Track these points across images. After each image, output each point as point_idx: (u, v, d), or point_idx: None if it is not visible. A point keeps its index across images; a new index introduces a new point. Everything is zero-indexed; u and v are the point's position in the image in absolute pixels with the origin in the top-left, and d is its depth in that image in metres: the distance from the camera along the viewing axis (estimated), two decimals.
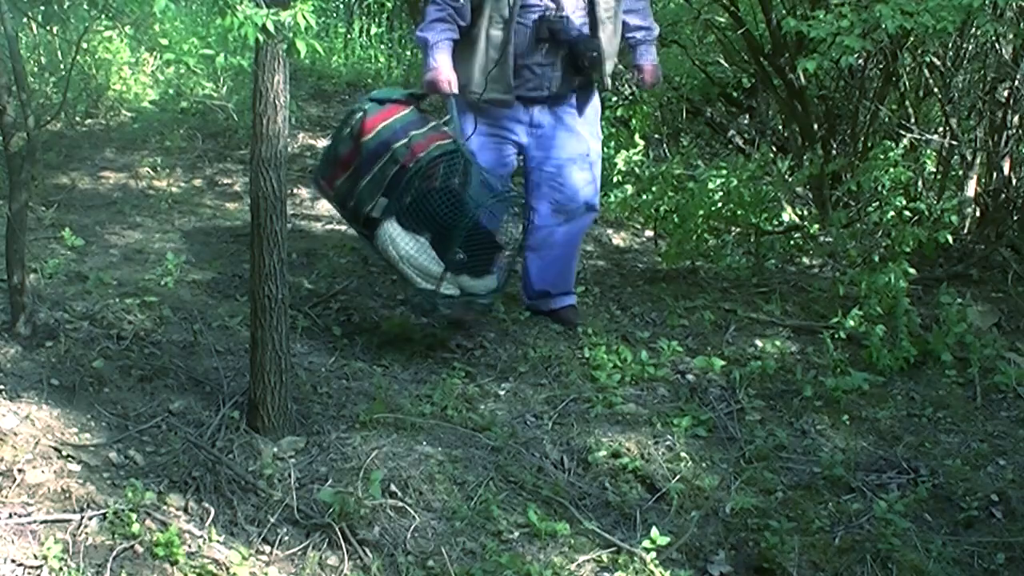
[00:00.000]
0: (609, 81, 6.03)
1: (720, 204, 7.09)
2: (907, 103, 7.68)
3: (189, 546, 4.03)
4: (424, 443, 4.85)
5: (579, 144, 5.95)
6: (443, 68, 5.62)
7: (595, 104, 6.08)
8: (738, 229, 7.39)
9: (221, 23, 4.05)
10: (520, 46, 5.61)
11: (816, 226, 7.28)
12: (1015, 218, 7.45)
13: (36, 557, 3.83)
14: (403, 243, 5.36)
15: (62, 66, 9.24)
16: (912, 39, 7.09)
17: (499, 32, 5.56)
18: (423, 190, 5.38)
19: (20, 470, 4.19)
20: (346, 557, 4.15)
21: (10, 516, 3.98)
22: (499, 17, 5.54)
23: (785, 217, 7.45)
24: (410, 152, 5.37)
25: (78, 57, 8.24)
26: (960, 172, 7.58)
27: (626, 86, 8.66)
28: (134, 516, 4.04)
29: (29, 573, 3.78)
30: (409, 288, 5.68)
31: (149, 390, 4.96)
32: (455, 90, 5.63)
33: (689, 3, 8.84)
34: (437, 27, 5.63)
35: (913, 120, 7.60)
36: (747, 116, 9.80)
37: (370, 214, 5.49)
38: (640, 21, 5.99)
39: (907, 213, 6.50)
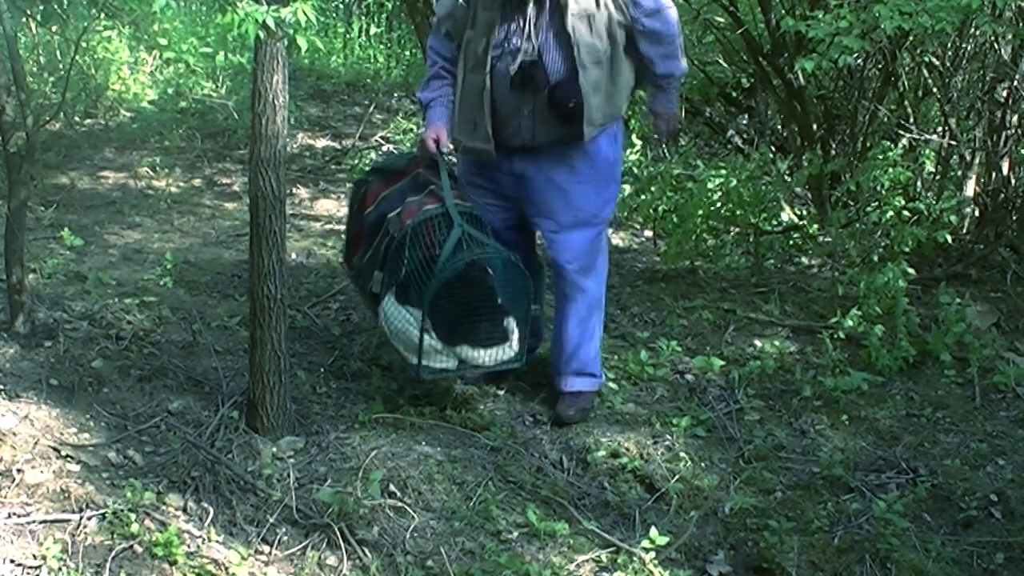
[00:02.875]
0: (589, 132, 5.04)
1: (719, 204, 7.09)
2: (906, 103, 7.68)
3: (188, 546, 4.03)
4: (423, 443, 4.85)
5: (566, 208, 5.19)
6: (431, 127, 5.17)
7: (598, 161, 5.18)
8: (737, 229, 7.39)
9: (221, 21, 4.06)
10: (498, 91, 5.02)
11: (815, 226, 7.28)
12: (1014, 218, 7.45)
13: (35, 557, 3.83)
14: (395, 318, 4.89)
15: (61, 66, 9.25)
16: (911, 39, 7.09)
17: (477, 77, 5.05)
18: (418, 260, 4.86)
19: (19, 470, 4.19)
20: (345, 557, 4.15)
21: (9, 516, 3.97)
22: (475, 61, 5.05)
23: (784, 217, 7.45)
24: (400, 221, 4.96)
25: (77, 57, 8.24)
26: (959, 172, 7.58)
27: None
28: (133, 516, 4.03)
29: (28, 573, 3.78)
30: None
31: (148, 390, 4.96)
32: (443, 147, 5.15)
33: (688, 3, 8.84)
34: (431, 86, 5.25)
35: (912, 120, 7.60)
36: (746, 116, 9.81)
37: (371, 290, 5.06)
38: (656, 67, 5.13)
39: (906, 213, 6.51)
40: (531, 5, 4.91)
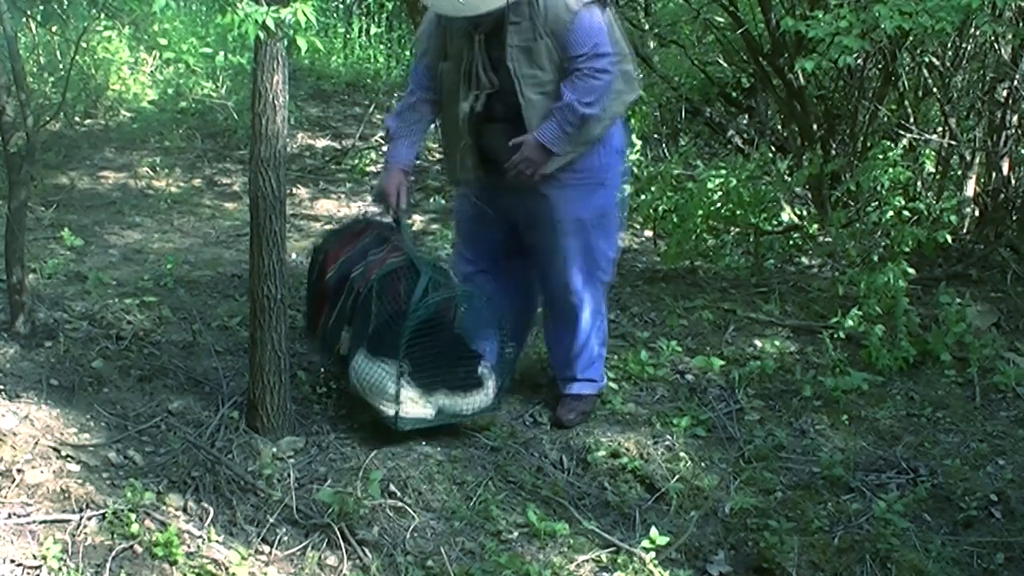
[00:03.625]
0: (552, 164, 4.84)
1: (719, 204, 7.09)
2: (906, 103, 7.68)
3: (188, 546, 4.03)
4: (423, 443, 4.84)
5: (543, 236, 5.08)
6: (392, 176, 5.04)
7: (581, 167, 4.97)
8: (737, 229, 7.39)
9: (221, 21, 4.06)
10: (473, 124, 4.90)
11: (815, 226, 7.28)
12: (1014, 218, 7.45)
13: (35, 557, 3.83)
14: (368, 372, 4.77)
15: (61, 66, 9.25)
16: (911, 39, 7.09)
17: (453, 109, 4.93)
18: (387, 312, 4.82)
19: (19, 470, 4.18)
20: (345, 557, 4.15)
21: (9, 516, 3.97)
22: (450, 95, 4.93)
23: (784, 217, 7.45)
24: (364, 277, 4.90)
25: (77, 57, 8.25)
26: (959, 172, 7.58)
27: None
28: (133, 516, 4.03)
29: (28, 573, 3.78)
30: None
31: (148, 390, 4.96)
32: (403, 204, 5.05)
33: (688, 3, 8.84)
34: (404, 117, 5.11)
35: (912, 120, 7.60)
36: (746, 116, 9.80)
37: (339, 352, 4.95)
38: (563, 95, 4.78)
39: (906, 213, 6.51)
40: (477, 38, 4.81)
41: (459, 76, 4.89)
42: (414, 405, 4.77)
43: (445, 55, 4.97)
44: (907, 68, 7.70)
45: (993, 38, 7.06)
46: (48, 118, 6.32)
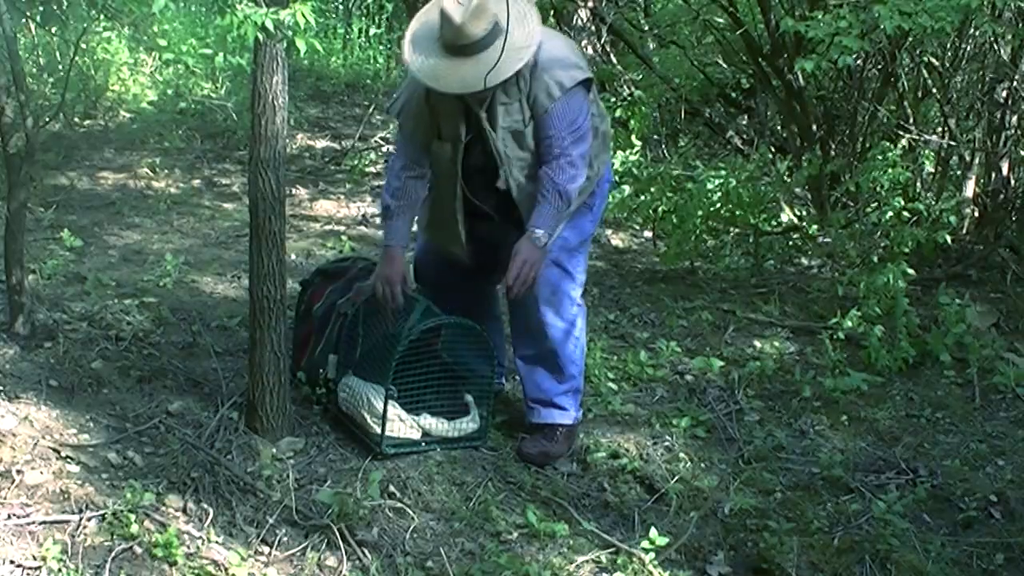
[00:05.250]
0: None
1: (719, 205, 7.10)
2: (905, 103, 7.68)
3: (188, 547, 4.02)
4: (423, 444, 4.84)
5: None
6: (395, 261, 4.84)
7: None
8: (737, 230, 7.40)
9: (220, 23, 4.05)
10: (468, 200, 4.80)
11: (815, 227, 7.29)
12: (1014, 218, 7.47)
13: (35, 558, 3.82)
14: (357, 389, 4.76)
15: (60, 66, 9.26)
16: (910, 39, 7.09)
17: (446, 187, 4.84)
18: (375, 337, 4.86)
19: (19, 471, 4.18)
20: (345, 558, 4.15)
21: (9, 517, 3.97)
22: (442, 175, 4.82)
23: (784, 218, 7.46)
24: (351, 302, 4.95)
25: (76, 58, 8.24)
26: (959, 172, 7.60)
27: (624, 87, 8.68)
28: (133, 517, 4.03)
29: (28, 574, 3.77)
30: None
31: (148, 391, 4.96)
32: (410, 285, 4.95)
33: (688, 3, 8.84)
34: (398, 195, 4.87)
35: (912, 121, 7.61)
36: (746, 117, 9.81)
37: (326, 376, 4.94)
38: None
39: (906, 214, 6.52)
40: (482, 115, 4.62)
41: (455, 155, 4.72)
42: (401, 424, 4.73)
43: (439, 134, 4.77)
44: (907, 68, 7.71)
45: (993, 38, 7.07)
46: (48, 119, 6.30)
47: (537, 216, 4.58)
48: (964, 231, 7.48)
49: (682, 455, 5.06)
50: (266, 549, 4.14)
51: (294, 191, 8.31)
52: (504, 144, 4.65)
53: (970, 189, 7.49)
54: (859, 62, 7.47)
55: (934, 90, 7.63)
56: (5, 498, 4.05)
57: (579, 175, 4.63)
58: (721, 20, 8.94)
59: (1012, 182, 7.46)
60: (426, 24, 4.61)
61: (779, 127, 9.01)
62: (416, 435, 4.78)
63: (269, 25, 3.96)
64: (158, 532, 4.02)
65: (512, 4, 4.49)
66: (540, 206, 4.58)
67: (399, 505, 4.44)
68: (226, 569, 3.97)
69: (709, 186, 7.02)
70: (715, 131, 9.59)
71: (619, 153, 7.54)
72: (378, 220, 7.99)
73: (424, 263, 5.21)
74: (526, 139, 4.64)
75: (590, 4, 9.26)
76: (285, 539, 4.19)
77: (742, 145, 9.08)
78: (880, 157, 6.65)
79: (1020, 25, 6.84)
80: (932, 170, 7.82)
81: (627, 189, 7.33)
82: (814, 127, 7.87)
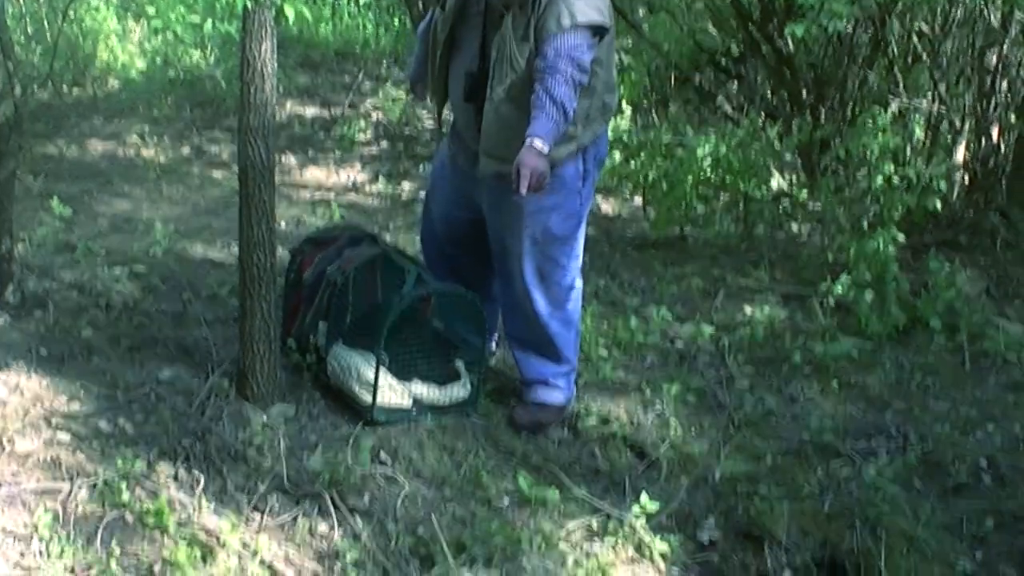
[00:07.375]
0: (485, 165, 4.65)
1: (709, 171, 7.08)
2: (895, 69, 7.66)
3: (179, 514, 4.03)
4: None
5: (497, 229, 4.84)
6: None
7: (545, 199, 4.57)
8: (727, 196, 7.38)
9: None
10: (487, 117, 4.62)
11: (805, 192, 7.28)
12: (1003, 184, 7.45)
13: (26, 526, 3.83)
14: (347, 358, 4.78)
15: (49, 35, 9.20)
16: (900, 5, 7.08)
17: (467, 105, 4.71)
18: (365, 304, 4.90)
19: (10, 440, 4.19)
20: (336, 525, 4.15)
21: (0, 486, 3.98)
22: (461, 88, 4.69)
23: (774, 184, 7.45)
24: (340, 270, 4.91)
25: (64, 26, 8.21)
26: (949, 138, 7.58)
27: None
28: (124, 485, 4.03)
29: (19, 542, 3.78)
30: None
31: (138, 359, 4.96)
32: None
33: None
34: (417, 70, 4.97)
35: (902, 86, 7.59)
36: (736, 83, 9.77)
37: (316, 344, 4.93)
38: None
39: (896, 180, 6.50)
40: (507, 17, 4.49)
41: (473, 51, 4.62)
42: (391, 392, 4.73)
43: (458, 44, 4.70)
44: (897, 34, 7.68)
45: (983, 4, 7.05)
46: (36, 88, 6.28)
47: (535, 125, 4.34)
48: (954, 197, 7.48)
49: (672, 421, 5.07)
50: (257, 516, 4.15)
51: (284, 159, 8.27)
52: (496, 50, 4.50)
53: (960, 155, 7.48)
54: (849, 28, 7.45)
55: (924, 56, 7.61)
56: None
57: (574, 99, 4.41)
58: None
59: (1002, 148, 7.45)
60: None
61: (769, 93, 8.97)
62: (407, 403, 4.78)
63: None
64: (149, 500, 4.02)
65: None
66: (537, 117, 4.36)
67: (390, 472, 4.44)
68: (217, 536, 3.97)
69: (699, 152, 7.00)
70: (705, 97, 9.55)
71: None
72: (368, 188, 8.00)
73: (428, 239, 5.22)
74: (516, 58, 4.46)
75: None
76: (276, 506, 4.20)
77: (732, 111, 9.05)
78: (870, 123, 6.63)
79: None
80: (922, 136, 7.81)
81: (617, 156, 7.31)
82: (804, 93, 7.86)
